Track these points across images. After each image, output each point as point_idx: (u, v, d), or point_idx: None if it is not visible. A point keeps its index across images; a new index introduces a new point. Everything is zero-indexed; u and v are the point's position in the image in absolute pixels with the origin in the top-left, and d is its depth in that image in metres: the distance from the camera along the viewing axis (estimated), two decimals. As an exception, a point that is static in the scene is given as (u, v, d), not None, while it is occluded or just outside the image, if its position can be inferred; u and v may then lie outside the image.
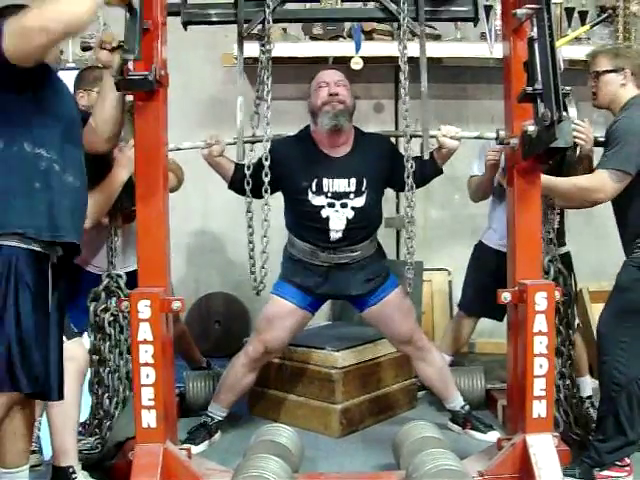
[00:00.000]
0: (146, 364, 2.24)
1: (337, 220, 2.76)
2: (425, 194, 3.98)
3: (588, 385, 3.09)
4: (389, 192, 3.01)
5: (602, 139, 2.61)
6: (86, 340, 2.67)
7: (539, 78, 2.05)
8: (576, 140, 2.52)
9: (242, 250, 2.65)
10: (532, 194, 2.39)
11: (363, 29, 3.90)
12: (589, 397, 3.06)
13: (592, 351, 2.88)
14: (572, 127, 2.31)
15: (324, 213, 2.77)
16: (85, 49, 2.41)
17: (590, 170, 2.70)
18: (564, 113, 1.98)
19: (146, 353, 2.24)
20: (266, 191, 2.49)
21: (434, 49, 3.84)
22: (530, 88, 2.08)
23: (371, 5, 2.66)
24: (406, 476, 2.30)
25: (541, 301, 2.28)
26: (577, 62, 3.71)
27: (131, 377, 2.49)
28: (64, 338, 2.16)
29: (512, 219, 2.43)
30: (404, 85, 2.47)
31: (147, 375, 2.25)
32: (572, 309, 2.84)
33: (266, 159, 2.49)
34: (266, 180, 2.48)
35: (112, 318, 2.77)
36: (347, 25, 4.02)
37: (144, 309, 2.23)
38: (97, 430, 2.72)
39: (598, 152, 2.68)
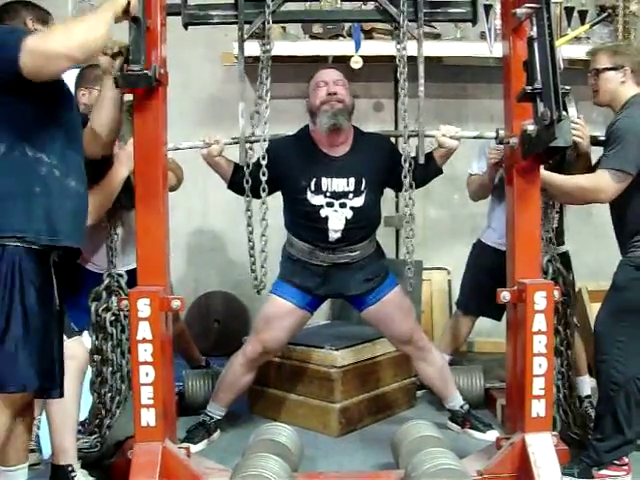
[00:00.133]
0: (145, 363, 2.24)
1: (336, 220, 2.76)
2: (424, 193, 3.98)
3: (587, 384, 3.09)
4: (388, 191, 3.01)
5: (602, 138, 2.61)
6: (86, 339, 2.67)
7: (539, 77, 2.04)
8: (574, 138, 2.52)
9: (242, 249, 2.65)
10: (531, 193, 2.39)
11: (363, 28, 3.90)
12: (588, 396, 3.06)
13: (591, 350, 2.88)
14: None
15: (323, 213, 2.76)
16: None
17: (588, 167, 2.70)
18: (563, 112, 1.99)
19: (145, 352, 2.24)
20: (264, 190, 2.49)
21: (434, 48, 3.84)
22: (530, 87, 2.07)
23: (370, 6, 2.65)
24: (405, 475, 2.30)
25: (540, 300, 2.28)
26: (577, 61, 3.72)
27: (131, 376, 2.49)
28: (64, 337, 2.17)
29: (511, 218, 2.43)
30: (403, 86, 2.48)
31: (146, 374, 2.25)
32: (571, 309, 2.84)
33: (263, 158, 2.49)
34: (263, 179, 2.47)
35: (113, 317, 2.77)
36: (347, 24, 4.02)
37: (143, 308, 2.23)
38: (96, 429, 2.73)
39: (596, 150, 2.68)
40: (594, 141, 2.69)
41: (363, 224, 2.81)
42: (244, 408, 3.30)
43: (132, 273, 2.72)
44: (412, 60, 2.52)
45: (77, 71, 2.95)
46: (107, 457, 2.62)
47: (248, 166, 2.53)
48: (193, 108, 4.37)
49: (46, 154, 2.00)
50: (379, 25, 3.95)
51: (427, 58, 2.57)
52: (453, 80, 4.39)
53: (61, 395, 2.10)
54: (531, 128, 2.13)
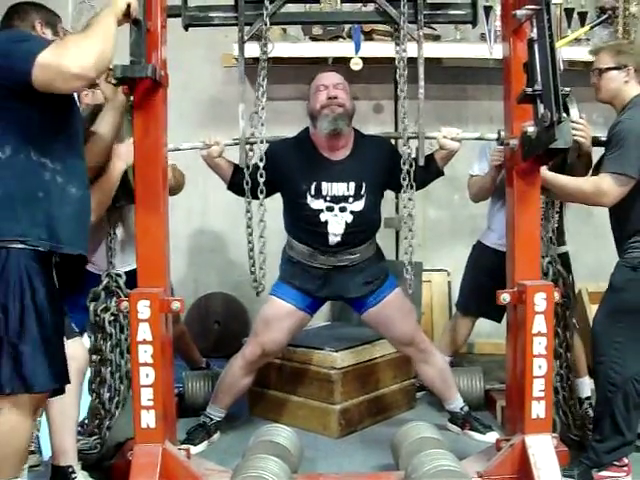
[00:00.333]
0: (145, 364, 2.24)
1: (336, 224, 2.75)
2: (424, 194, 3.98)
3: (587, 386, 3.08)
4: (388, 192, 3.01)
5: (603, 139, 2.61)
6: (85, 340, 2.67)
7: (539, 79, 2.05)
8: (576, 138, 2.53)
9: (242, 251, 2.65)
10: (532, 195, 2.39)
11: (363, 30, 3.89)
12: (588, 398, 3.06)
13: (590, 352, 2.88)
14: (572, 126, 2.31)
15: (323, 217, 2.76)
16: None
17: (588, 167, 2.70)
18: (564, 114, 1.99)
19: (145, 353, 2.24)
20: (262, 192, 2.48)
21: (434, 50, 3.85)
22: (530, 89, 2.08)
23: (370, 7, 2.66)
24: (405, 477, 2.30)
25: (540, 302, 2.29)
26: (577, 63, 3.73)
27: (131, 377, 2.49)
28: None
29: (512, 220, 2.43)
30: (402, 88, 2.48)
31: (146, 375, 2.25)
32: (571, 312, 2.84)
33: (261, 160, 2.49)
34: (261, 180, 2.47)
35: (112, 318, 2.76)
36: (347, 25, 4.02)
37: (143, 309, 2.23)
38: (96, 430, 2.72)
39: (596, 150, 2.68)
40: (595, 141, 2.69)
41: (363, 228, 2.81)
42: (244, 409, 3.30)
43: (130, 274, 2.73)
44: (412, 62, 2.53)
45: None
46: (107, 458, 2.62)
47: (248, 167, 2.53)
48: (193, 109, 4.37)
49: (50, 159, 2.01)
50: (379, 27, 3.95)
51: (427, 60, 2.57)
52: (453, 82, 4.40)
53: (62, 393, 2.12)
54: (531, 130, 2.13)
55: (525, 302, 2.29)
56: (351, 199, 2.76)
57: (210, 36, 3.78)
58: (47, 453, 2.57)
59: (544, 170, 2.48)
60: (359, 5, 3.10)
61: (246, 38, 2.55)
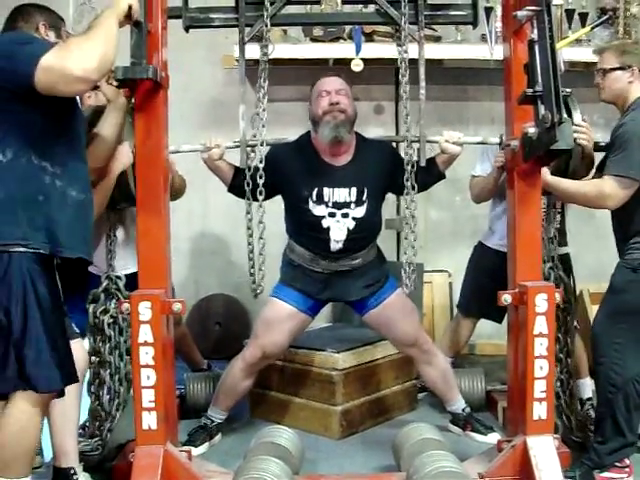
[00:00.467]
0: (147, 366, 2.24)
1: (338, 230, 2.74)
2: (425, 196, 3.97)
3: (588, 387, 3.08)
4: (389, 194, 3.00)
5: (603, 144, 2.60)
6: (85, 341, 2.68)
7: (539, 80, 2.05)
8: (580, 141, 2.52)
9: (242, 252, 2.65)
10: (533, 196, 2.39)
11: (363, 31, 3.89)
12: (589, 399, 3.06)
13: (591, 353, 2.88)
14: (575, 128, 2.31)
15: (325, 223, 2.75)
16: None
17: (590, 169, 2.70)
18: (564, 115, 1.99)
19: (147, 355, 2.24)
20: (260, 193, 2.48)
21: (435, 51, 3.84)
22: (530, 90, 2.08)
23: (371, 8, 2.66)
24: (406, 478, 2.30)
25: (541, 303, 2.29)
26: (577, 64, 3.73)
27: (131, 378, 2.49)
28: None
29: (513, 221, 2.43)
30: (405, 89, 2.48)
31: (148, 377, 2.25)
32: (571, 315, 2.84)
33: (261, 162, 2.49)
34: (260, 182, 2.47)
35: (111, 320, 2.76)
36: (348, 27, 4.02)
37: (145, 311, 2.23)
38: (97, 432, 2.72)
39: (597, 154, 2.68)
40: (595, 147, 2.68)
41: (365, 234, 2.81)
42: (245, 411, 3.30)
43: (130, 277, 2.73)
44: (413, 63, 2.53)
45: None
46: (108, 460, 2.62)
47: (249, 169, 2.53)
48: (194, 111, 4.37)
49: (50, 163, 2.01)
50: (380, 28, 3.95)
51: (428, 61, 2.57)
52: (454, 82, 4.39)
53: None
54: (532, 131, 2.13)
55: (526, 303, 2.29)
56: (353, 205, 2.75)
57: (211, 37, 3.78)
58: (48, 455, 2.57)
59: (546, 174, 2.48)
60: (360, 6, 3.11)
61: (247, 39, 2.56)
